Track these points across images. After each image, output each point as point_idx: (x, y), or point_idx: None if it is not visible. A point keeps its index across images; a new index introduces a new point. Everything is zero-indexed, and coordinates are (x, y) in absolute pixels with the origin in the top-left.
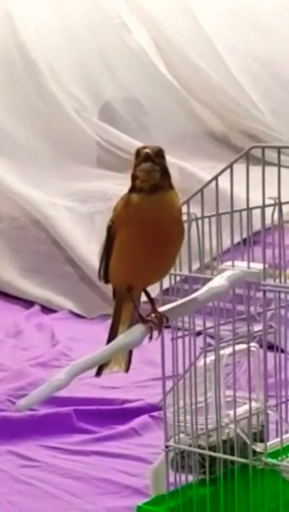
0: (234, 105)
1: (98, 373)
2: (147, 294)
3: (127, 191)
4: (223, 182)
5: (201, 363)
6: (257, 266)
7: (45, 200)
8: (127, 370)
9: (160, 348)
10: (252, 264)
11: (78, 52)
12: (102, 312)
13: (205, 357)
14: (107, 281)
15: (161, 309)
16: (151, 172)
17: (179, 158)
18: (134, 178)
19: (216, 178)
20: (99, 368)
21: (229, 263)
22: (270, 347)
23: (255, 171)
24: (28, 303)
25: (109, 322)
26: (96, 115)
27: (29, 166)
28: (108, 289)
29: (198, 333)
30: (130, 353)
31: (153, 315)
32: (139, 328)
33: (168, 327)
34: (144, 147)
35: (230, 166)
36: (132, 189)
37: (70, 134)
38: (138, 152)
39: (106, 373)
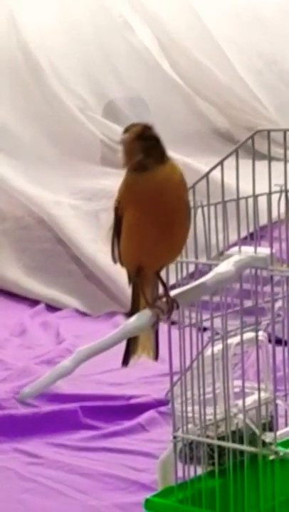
0: (239, 102)
1: (125, 362)
2: (160, 278)
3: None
4: (227, 176)
5: (208, 352)
6: (264, 251)
7: (49, 198)
8: (156, 358)
9: (167, 339)
10: (259, 249)
11: (81, 52)
12: (107, 310)
13: (212, 346)
14: (122, 263)
15: None
16: (128, 153)
17: (183, 155)
18: None
19: (221, 162)
20: (125, 356)
21: (236, 249)
22: (278, 341)
23: (257, 165)
24: (33, 302)
25: (114, 320)
26: (100, 114)
27: (33, 165)
28: (113, 286)
29: (205, 329)
30: (157, 340)
31: (164, 299)
32: (146, 313)
33: (174, 323)
34: (127, 129)
35: (236, 151)
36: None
37: (74, 132)
38: (125, 132)
39: (114, 369)
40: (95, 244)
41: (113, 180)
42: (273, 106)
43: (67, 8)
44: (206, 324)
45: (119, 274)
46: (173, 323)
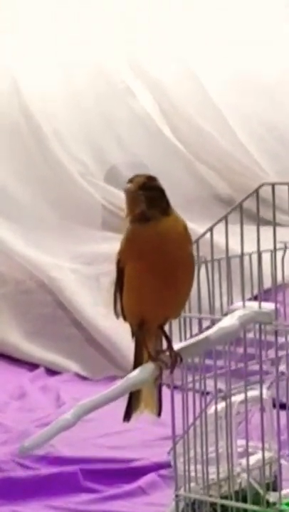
0: (240, 167)
1: (127, 417)
2: (163, 332)
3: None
4: (230, 241)
5: (211, 410)
6: (268, 306)
7: (50, 262)
8: (158, 414)
9: (170, 401)
10: (263, 304)
11: (83, 118)
12: (107, 374)
13: (216, 404)
14: (125, 317)
15: None
16: (131, 204)
17: (186, 220)
18: None
19: (225, 217)
20: (128, 411)
21: (240, 303)
22: (282, 406)
23: (254, 230)
24: (32, 365)
25: (114, 383)
26: (102, 179)
27: (34, 229)
28: (113, 350)
29: (208, 393)
30: (160, 396)
31: (167, 353)
32: (149, 366)
33: (176, 387)
34: (131, 180)
35: (240, 205)
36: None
37: (75, 197)
38: (129, 182)
39: (114, 432)
40: (95, 307)
41: (114, 245)
42: (274, 171)
43: (69, 74)
44: (209, 388)
45: (120, 338)
46: (175, 387)
